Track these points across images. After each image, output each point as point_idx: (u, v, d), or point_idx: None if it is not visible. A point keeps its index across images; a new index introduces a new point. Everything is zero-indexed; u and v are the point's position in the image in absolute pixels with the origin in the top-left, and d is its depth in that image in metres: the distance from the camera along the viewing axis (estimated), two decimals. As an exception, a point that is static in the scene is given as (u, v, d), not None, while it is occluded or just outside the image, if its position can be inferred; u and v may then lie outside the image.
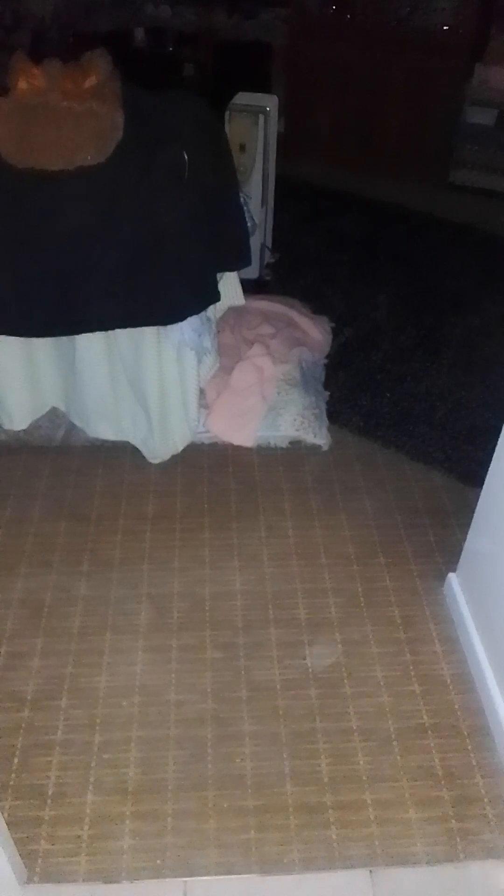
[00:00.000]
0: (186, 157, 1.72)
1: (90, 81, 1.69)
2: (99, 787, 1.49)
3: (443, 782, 1.52)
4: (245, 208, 2.02)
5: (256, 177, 2.88)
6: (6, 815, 1.42)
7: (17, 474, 2.23)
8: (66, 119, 1.61)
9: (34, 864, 1.37)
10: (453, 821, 1.46)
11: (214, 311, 2.08)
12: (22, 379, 2.12)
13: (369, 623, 1.85)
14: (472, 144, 4.14)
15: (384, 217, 3.89)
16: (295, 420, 2.37)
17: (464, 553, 1.84)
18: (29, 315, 1.81)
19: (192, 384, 2.09)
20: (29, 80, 1.69)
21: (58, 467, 2.26)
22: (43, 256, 1.71)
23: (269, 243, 3.20)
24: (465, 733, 1.61)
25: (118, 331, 1.92)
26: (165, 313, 1.84)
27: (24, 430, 2.28)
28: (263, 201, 2.98)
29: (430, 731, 1.62)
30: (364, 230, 3.76)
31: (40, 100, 1.63)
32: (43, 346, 2.05)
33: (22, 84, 1.69)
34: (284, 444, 2.37)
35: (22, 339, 1.99)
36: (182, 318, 1.85)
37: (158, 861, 1.38)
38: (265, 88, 3.80)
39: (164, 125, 1.73)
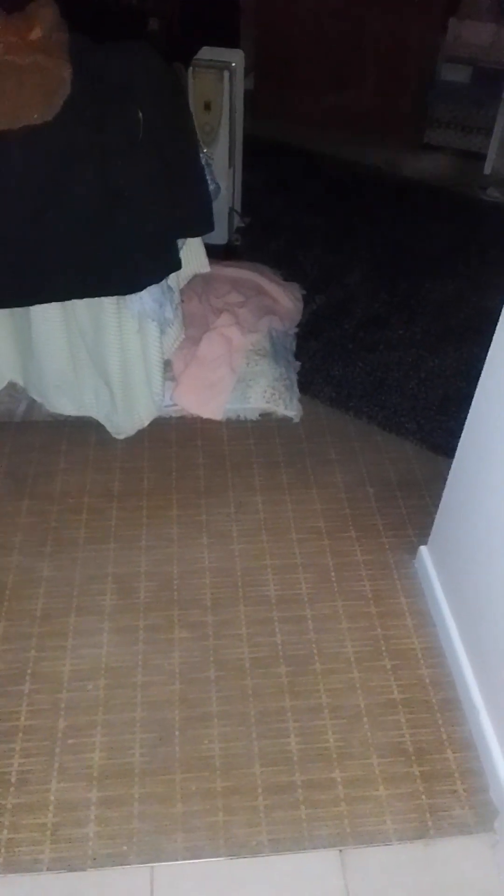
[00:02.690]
0: (141, 114, 1.62)
1: (35, 34, 1.57)
2: (63, 774, 1.46)
3: (413, 758, 1.51)
4: (207, 170, 1.92)
5: (223, 136, 2.77)
6: (-33, 805, 1.38)
7: (-23, 452, 2.16)
8: (8, 74, 1.50)
9: (-4, 855, 1.34)
10: (423, 797, 1.45)
11: (177, 279, 1.99)
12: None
13: (340, 598, 1.82)
14: (446, 103, 4.03)
15: (358, 179, 3.79)
16: (265, 392, 2.31)
17: (435, 525, 1.81)
18: (-22, 286, 1.71)
19: (155, 357, 2.01)
20: (-30, 33, 1.57)
21: (19, 443, 2.19)
22: (-12, 224, 1.61)
23: (238, 207, 3.09)
24: (436, 707, 1.60)
25: (75, 301, 1.83)
26: (122, 283, 1.75)
27: (-17, 406, 2.19)
28: (231, 162, 2.86)
29: (400, 706, 1.60)
30: (337, 192, 3.65)
31: (-19, 53, 1.51)
32: (-4, 319, 1.96)
33: (-38, 37, 1.57)
34: (254, 417, 2.31)
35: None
36: (140, 288, 1.77)
37: (125, 847, 1.35)
38: (234, 44, 3.65)
39: (117, 80, 1.62)
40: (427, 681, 1.65)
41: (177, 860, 1.34)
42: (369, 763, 1.50)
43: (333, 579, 1.86)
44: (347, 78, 4.10)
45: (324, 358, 2.55)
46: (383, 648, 1.71)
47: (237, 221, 3.10)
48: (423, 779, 1.48)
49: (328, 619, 1.77)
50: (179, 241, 1.92)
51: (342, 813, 1.42)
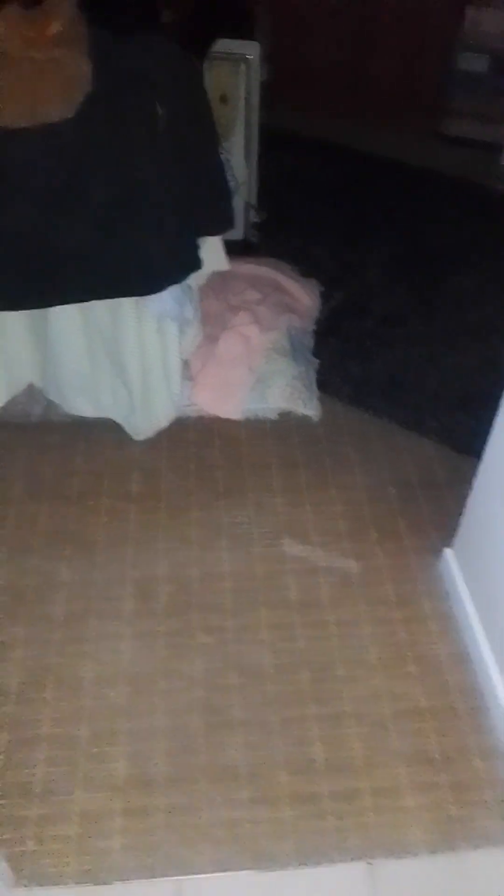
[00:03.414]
0: (161, 109, 1.58)
1: (54, 28, 1.53)
2: (88, 783, 1.44)
3: (440, 767, 1.49)
4: (226, 166, 1.89)
5: (239, 130, 2.72)
6: (-10, 815, 1.37)
7: (-6, 453, 2.14)
8: (27, 70, 1.47)
9: (21, 867, 1.32)
10: (452, 807, 1.43)
11: (196, 278, 1.96)
12: (-6, 354, 2.01)
13: (362, 602, 1.79)
14: (464, 92, 3.95)
15: (375, 171, 3.73)
16: (284, 391, 2.27)
17: (461, 527, 1.78)
18: (-3, 287, 1.69)
19: (174, 357, 1.98)
20: (-14, 28, 1.54)
21: (37, 445, 2.16)
22: (6, 223, 1.58)
23: (254, 202, 3.05)
24: (463, 715, 1.57)
25: (94, 302, 1.80)
26: (143, 283, 1.72)
27: (0, 407, 2.17)
28: (247, 156, 2.82)
29: (426, 714, 1.58)
30: (355, 185, 3.60)
31: (-1, 49, 1.48)
32: (14, 319, 1.93)
33: (-21, 32, 1.54)
34: (273, 416, 2.28)
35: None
36: (161, 289, 1.74)
37: (150, 859, 1.34)
38: (250, 35, 3.59)
39: (136, 75, 1.58)
40: (453, 687, 1.62)
41: (203, 873, 1.33)
42: (396, 772, 1.48)
43: (355, 583, 1.84)
44: (364, 68, 4.03)
45: (342, 355, 2.52)
46: (408, 654, 1.68)
47: (254, 216, 3.05)
48: (451, 788, 1.45)
49: (350, 624, 1.74)
50: (199, 240, 1.89)
51: (369, 823, 1.40)
